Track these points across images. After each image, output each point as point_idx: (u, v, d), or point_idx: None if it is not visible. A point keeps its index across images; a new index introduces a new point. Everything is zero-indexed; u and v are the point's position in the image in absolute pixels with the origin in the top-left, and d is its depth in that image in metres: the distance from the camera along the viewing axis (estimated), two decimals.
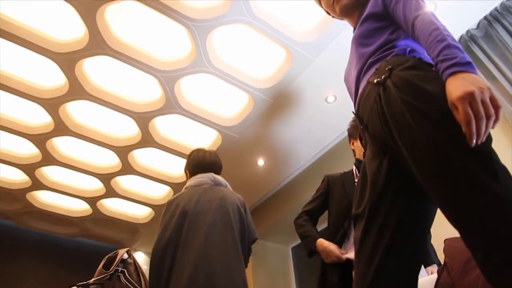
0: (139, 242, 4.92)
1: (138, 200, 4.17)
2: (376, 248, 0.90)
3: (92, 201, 4.19)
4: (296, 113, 3.10)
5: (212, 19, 2.28)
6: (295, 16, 2.40)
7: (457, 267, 1.17)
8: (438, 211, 0.87)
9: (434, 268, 1.69)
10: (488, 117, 0.74)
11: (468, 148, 0.75)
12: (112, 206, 4.42)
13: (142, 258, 5.02)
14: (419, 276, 0.96)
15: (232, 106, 3.10)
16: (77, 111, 3.09)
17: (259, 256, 4.18)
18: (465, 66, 0.79)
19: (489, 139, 0.79)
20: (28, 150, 3.48)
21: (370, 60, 1.07)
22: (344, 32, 2.39)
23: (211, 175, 1.95)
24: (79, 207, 4.40)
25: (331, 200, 1.90)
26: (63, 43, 2.45)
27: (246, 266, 1.73)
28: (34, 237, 4.62)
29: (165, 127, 3.28)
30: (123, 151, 3.42)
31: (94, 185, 4.02)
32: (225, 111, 3.14)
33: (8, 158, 3.46)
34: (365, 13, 1.15)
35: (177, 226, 1.69)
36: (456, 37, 2.50)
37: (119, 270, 1.80)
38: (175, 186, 3.95)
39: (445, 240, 1.32)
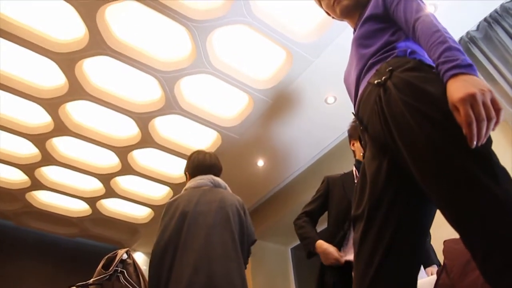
0: (139, 242, 4.92)
1: (137, 200, 4.17)
2: (376, 248, 0.90)
3: (91, 201, 4.18)
4: (296, 114, 3.10)
5: (212, 20, 2.28)
6: (295, 17, 2.40)
7: (457, 268, 1.17)
8: (438, 212, 0.87)
9: (434, 268, 1.70)
10: (489, 119, 0.74)
11: (468, 149, 0.76)
12: (112, 207, 4.42)
13: (141, 259, 5.02)
14: (419, 277, 0.96)
15: (232, 106, 3.10)
16: (77, 111, 3.09)
17: (259, 257, 4.17)
18: (466, 68, 0.80)
19: (489, 141, 0.79)
20: (27, 150, 3.48)
21: (370, 61, 1.08)
22: (344, 33, 2.39)
23: (210, 177, 1.96)
24: (79, 207, 4.39)
25: (331, 201, 1.90)
26: (63, 43, 2.45)
27: (245, 267, 1.74)
28: (34, 237, 4.62)
29: (165, 127, 3.28)
30: (122, 152, 3.42)
31: (94, 185, 4.02)
32: (225, 111, 3.14)
33: (7, 158, 3.46)
34: (366, 14, 1.15)
35: (176, 227, 1.69)
36: (456, 38, 2.51)
37: (119, 271, 1.80)
38: (175, 187, 3.94)
39: (444, 242, 1.32)
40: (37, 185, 3.83)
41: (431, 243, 1.85)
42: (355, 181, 1.82)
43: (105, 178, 3.81)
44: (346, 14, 1.28)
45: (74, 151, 3.54)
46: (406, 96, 0.88)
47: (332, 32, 2.40)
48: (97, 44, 2.40)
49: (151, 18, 2.35)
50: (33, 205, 4.15)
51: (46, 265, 4.58)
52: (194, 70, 2.61)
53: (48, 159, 3.47)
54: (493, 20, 2.36)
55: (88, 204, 4.25)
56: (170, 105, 2.89)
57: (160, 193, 4.22)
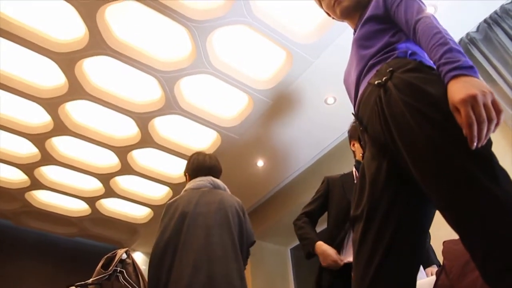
0: (138, 242, 4.91)
1: (137, 200, 4.16)
2: (375, 248, 0.90)
3: (91, 201, 4.18)
4: (296, 115, 3.10)
5: (212, 20, 2.28)
6: (295, 17, 2.40)
7: (456, 269, 1.18)
8: (438, 213, 0.87)
9: (434, 269, 1.70)
10: (489, 121, 0.74)
11: (469, 150, 0.76)
12: (111, 206, 4.42)
13: (140, 258, 5.02)
14: (418, 278, 0.96)
15: (231, 107, 3.10)
16: (77, 111, 3.09)
17: (258, 257, 4.17)
18: (467, 70, 0.80)
19: (489, 142, 0.79)
20: (27, 149, 3.47)
21: (370, 62, 1.08)
22: (344, 34, 2.39)
23: (210, 178, 1.97)
24: (78, 207, 4.39)
25: (330, 201, 1.90)
26: (63, 43, 2.45)
27: (244, 268, 1.75)
28: (33, 237, 4.61)
29: (165, 127, 3.28)
30: (122, 151, 3.42)
31: (93, 185, 4.01)
32: (224, 112, 3.14)
33: (7, 158, 3.45)
34: (366, 15, 1.15)
35: (176, 228, 1.69)
36: (456, 39, 2.50)
37: (118, 270, 1.80)
38: (174, 187, 3.94)
39: (444, 242, 1.32)
40: (36, 184, 3.83)
41: (431, 243, 1.85)
42: (355, 182, 1.82)
43: (105, 178, 3.81)
44: (346, 15, 1.29)
45: (73, 150, 3.54)
46: (407, 96, 0.88)
47: (332, 32, 2.40)
48: (97, 44, 2.40)
49: (151, 18, 2.36)
50: (32, 205, 4.14)
51: (45, 264, 4.57)
52: (194, 70, 2.61)
53: (47, 158, 3.47)
54: (493, 22, 2.36)
55: (88, 204, 4.25)
56: (170, 105, 2.89)
57: (159, 193, 4.22)
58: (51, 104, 2.86)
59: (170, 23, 2.34)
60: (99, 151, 3.47)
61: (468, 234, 0.77)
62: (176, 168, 3.78)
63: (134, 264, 1.90)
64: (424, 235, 0.97)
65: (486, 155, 0.78)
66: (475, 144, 0.74)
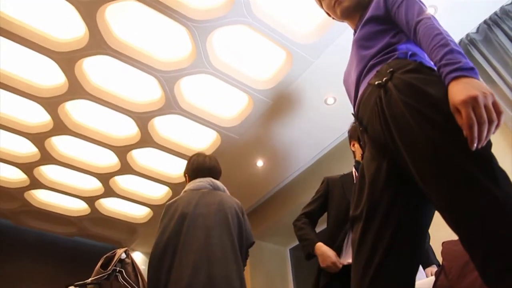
0: (137, 242, 4.91)
1: (136, 200, 4.16)
2: (375, 248, 0.90)
3: (90, 200, 4.18)
4: (296, 115, 3.10)
5: (212, 20, 2.28)
6: (295, 17, 2.40)
7: (455, 270, 1.18)
8: (437, 213, 0.87)
9: (433, 269, 1.70)
10: (490, 122, 0.75)
11: (469, 151, 0.76)
12: (111, 206, 4.41)
13: (140, 258, 5.01)
14: (417, 278, 0.96)
15: (231, 107, 3.10)
16: (76, 111, 3.08)
17: (257, 258, 4.17)
18: (468, 71, 0.80)
19: (489, 143, 0.80)
20: (26, 149, 3.47)
21: (371, 63, 1.08)
22: (344, 34, 2.39)
23: (209, 179, 1.97)
24: (78, 207, 4.38)
25: (330, 202, 1.90)
26: (63, 42, 2.44)
27: (243, 269, 1.75)
28: (32, 237, 4.61)
29: (165, 127, 3.28)
30: (122, 151, 3.42)
31: (93, 185, 4.01)
32: (224, 112, 3.14)
33: (6, 157, 3.45)
34: (367, 15, 1.16)
35: (176, 228, 1.70)
36: (456, 40, 2.51)
37: (117, 270, 1.80)
38: (174, 187, 3.94)
39: (443, 243, 1.32)
40: (36, 184, 3.82)
41: (430, 243, 1.85)
42: (355, 182, 1.82)
43: (104, 178, 3.81)
44: (346, 15, 1.29)
45: (73, 150, 3.54)
46: (407, 97, 0.88)
47: (332, 33, 2.40)
48: (97, 43, 2.39)
49: (151, 18, 2.35)
50: (31, 204, 4.14)
51: (44, 264, 4.57)
52: (194, 70, 2.61)
53: (47, 158, 3.47)
54: (493, 23, 2.36)
55: (87, 204, 4.24)
56: (170, 105, 2.89)
57: (159, 193, 4.22)
58: (51, 104, 2.86)
59: (170, 23, 2.34)
60: (99, 151, 3.47)
61: (468, 234, 0.77)
62: (175, 168, 3.78)
63: (133, 264, 1.90)
64: (424, 235, 0.97)
65: (486, 156, 0.78)
66: (475, 145, 0.74)
